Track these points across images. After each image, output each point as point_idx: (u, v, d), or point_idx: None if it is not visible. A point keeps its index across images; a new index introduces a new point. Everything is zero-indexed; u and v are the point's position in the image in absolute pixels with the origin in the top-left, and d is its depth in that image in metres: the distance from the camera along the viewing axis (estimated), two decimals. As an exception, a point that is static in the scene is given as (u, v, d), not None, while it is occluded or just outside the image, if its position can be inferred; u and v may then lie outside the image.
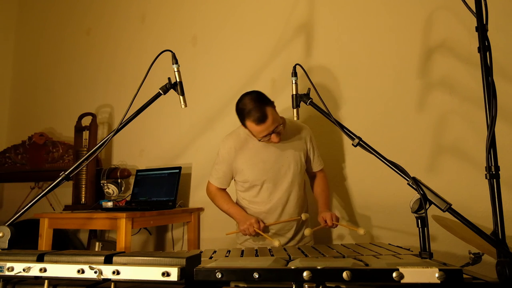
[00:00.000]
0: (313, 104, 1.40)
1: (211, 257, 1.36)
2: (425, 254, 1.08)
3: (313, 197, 2.06)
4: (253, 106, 1.71)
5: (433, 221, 1.33)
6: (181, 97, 1.47)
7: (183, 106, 1.48)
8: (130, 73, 3.05)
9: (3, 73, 3.67)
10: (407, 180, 1.14)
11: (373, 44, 2.30)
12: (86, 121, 2.98)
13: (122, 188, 2.86)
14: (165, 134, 2.89)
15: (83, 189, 2.82)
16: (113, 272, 0.87)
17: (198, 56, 2.83)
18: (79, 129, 2.96)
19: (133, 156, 2.98)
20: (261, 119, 1.70)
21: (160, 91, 1.46)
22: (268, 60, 2.56)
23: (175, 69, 1.47)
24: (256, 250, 1.51)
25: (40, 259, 0.95)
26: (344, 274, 0.78)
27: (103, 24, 3.30)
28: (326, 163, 2.11)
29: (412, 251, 1.35)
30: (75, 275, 0.89)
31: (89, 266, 0.88)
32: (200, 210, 2.65)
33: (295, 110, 1.44)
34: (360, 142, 1.26)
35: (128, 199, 2.75)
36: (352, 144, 1.28)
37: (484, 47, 1.11)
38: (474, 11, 1.15)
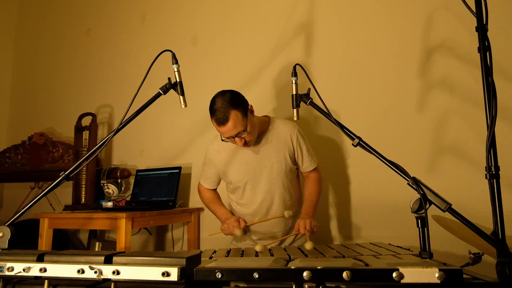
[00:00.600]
0: (313, 104, 1.40)
1: (211, 257, 1.36)
2: (425, 254, 1.08)
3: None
4: (219, 106, 1.67)
5: (433, 221, 1.33)
6: (181, 97, 1.47)
7: (183, 106, 1.48)
8: (130, 73, 3.05)
9: (3, 73, 3.66)
10: (407, 180, 1.14)
11: (373, 44, 2.30)
12: (86, 121, 2.98)
13: (122, 188, 2.86)
14: (165, 134, 2.88)
15: (83, 189, 2.81)
16: (113, 272, 0.87)
17: (198, 56, 2.82)
18: (79, 129, 2.96)
19: (133, 156, 2.98)
20: (221, 121, 1.66)
21: (160, 91, 1.46)
22: (268, 60, 2.56)
23: (175, 69, 1.47)
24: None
25: (40, 259, 0.95)
26: (344, 274, 0.78)
27: (103, 24, 3.29)
28: (326, 163, 2.10)
29: (412, 251, 1.35)
30: (75, 275, 0.89)
31: (89, 266, 0.88)
32: (200, 210, 2.65)
33: (295, 110, 1.44)
34: (360, 142, 1.26)
35: (128, 199, 2.75)
36: (352, 144, 1.28)
37: (484, 47, 1.11)
38: (474, 11, 1.15)
